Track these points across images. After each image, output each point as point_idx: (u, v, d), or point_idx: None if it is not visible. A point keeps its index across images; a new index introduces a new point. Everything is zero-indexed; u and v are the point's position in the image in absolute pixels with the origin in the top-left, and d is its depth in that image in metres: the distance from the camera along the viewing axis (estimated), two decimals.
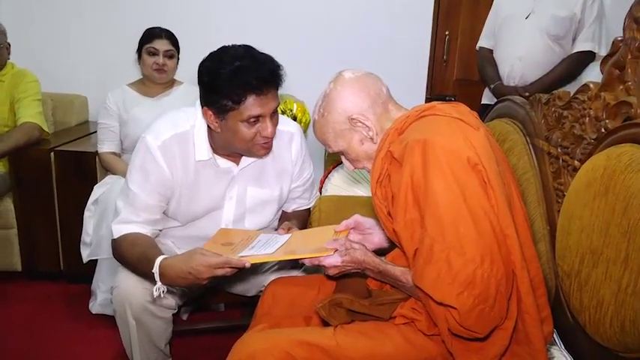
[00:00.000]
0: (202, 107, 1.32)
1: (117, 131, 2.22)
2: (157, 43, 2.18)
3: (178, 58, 2.26)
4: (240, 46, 1.29)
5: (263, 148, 1.34)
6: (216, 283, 1.54)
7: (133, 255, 1.29)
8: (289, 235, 1.33)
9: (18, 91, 2.30)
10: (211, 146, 1.38)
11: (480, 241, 0.93)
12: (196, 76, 1.30)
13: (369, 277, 1.14)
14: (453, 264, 0.92)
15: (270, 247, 1.24)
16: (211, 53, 1.30)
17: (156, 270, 1.20)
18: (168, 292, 1.29)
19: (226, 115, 1.27)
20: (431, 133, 1.01)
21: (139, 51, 2.22)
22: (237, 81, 1.22)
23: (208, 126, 1.35)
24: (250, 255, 1.21)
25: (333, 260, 1.09)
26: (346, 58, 2.86)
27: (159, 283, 1.21)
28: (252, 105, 1.24)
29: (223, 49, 1.29)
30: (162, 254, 1.24)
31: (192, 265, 1.16)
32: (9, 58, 2.35)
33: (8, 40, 2.32)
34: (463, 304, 0.92)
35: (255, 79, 1.22)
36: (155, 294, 1.22)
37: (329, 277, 1.20)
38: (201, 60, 1.31)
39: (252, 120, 1.27)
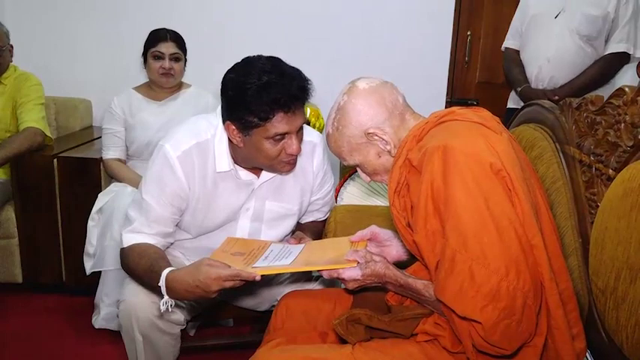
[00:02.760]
0: (225, 121, 1.32)
1: (122, 137, 2.26)
2: (162, 47, 2.20)
3: (185, 60, 2.29)
4: (267, 58, 1.29)
5: (288, 164, 1.34)
6: (226, 297, 1.56)
7: (140, 267, 1.30)
8: (302, 245, 1.34)
9: (20, 95, 2.35)
10: (232, 157, 1.39)
11: (505, 251, 0.94)
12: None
13: (390, 291, 1.14)
14: (476, 276, 0.93)
15: (284, 259, 1.25)
16: (236, 65, 1.30)
17: (162, 283, 1.20)
18: (177, 306, 1.30)
19: (251, 132, 1.27)
20: (451, 139, 1.02)
21: (145, 55, 2.25)
22: (266, 97, 1.21)
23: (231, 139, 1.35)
24: (265, 266, 1.21)
25: (353, 273, 1.09)
26: (362, 59, 2.88)
27: (166, 297, 1.21)
28: (279, 122, 1.25)
29: (249, 62, 1.28)
30: (170, 266, 1.25)
31: (199, 278, 1.16)
32: (11, 61, 2.40)
33: (11, 42, 2.38)
34: (487, 319, 0.92)
35: (285, 97, 1.22)
36: (162, 308, 1.23)
37: (347, 291, 1.20)
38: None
39: (277, 137, 1.27)
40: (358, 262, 1.11)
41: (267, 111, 1.23)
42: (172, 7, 2.87)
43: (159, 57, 2.21)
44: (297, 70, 1.29)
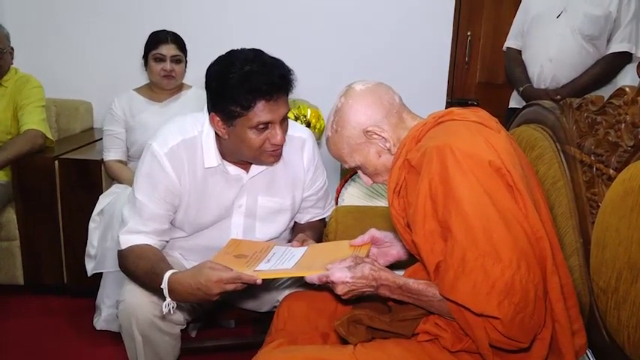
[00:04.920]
0: (209, 113, 1.34)
1: (123, 138, 2.26)
2: (163, 49, 2.21)
3: (186, 62, 2.30)
4: (249, 50, 1.31)
5: (272, 155, 1.35)
6: (227, 298, 1.56)
7: (140, 269, 1.31)
8: (304, 248, 1.34)
9: (21, 97, 2.36)
10: (220, 152, 1.40)
11: (515, 245, 0.94)
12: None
13: (386, 297, 1.10)
14: (490, 272, 0.93)
15: (286, 262, 1.25)
16: (219, 57, 1.32)
17: (164, 286, 1.21)
18: (177, 307, 1.30)
19: (234, 122, 1.29)
20: (450, 139, 1.03)
21: (145, 57, 2.25)
22: (247, 86, 1.23)
23: (216, 132, 1.37)
24: (267, 270, 1.22)
25: (342, 275, 1.07)
26: (362, 61, 2.89)
27: (168, 299, 1.22)
28: (261, 111, 1.26)
29: (232, 53, 1.31)
30: (171, 268, 1.26)
31: (201, 281, 1.17)
32: (12, 63, 2.41)
33: (12, 45, 2.38)
34: (505, 314, 0.92)
35: (265, 85, 1.24)
36: (164, 310, 1.23)
37: (339, 299, 1.16)
38: (209, 63, 1.33)
39: (261, 127, 1.28)
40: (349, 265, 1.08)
41: (249, 99, 1.24)
42: (173, 8, 2.88)
43: (160, 59, 2.21)
44: (279, 60, 1.31)
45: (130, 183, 2.14)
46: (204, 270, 1.18)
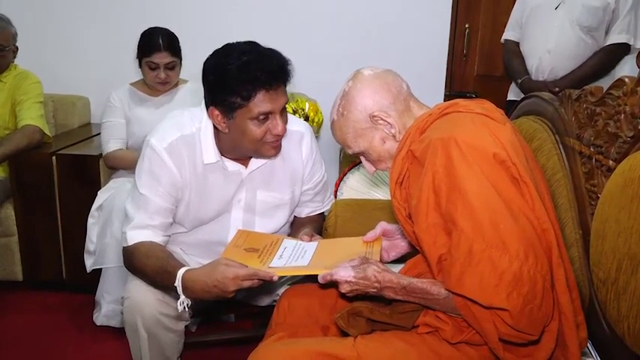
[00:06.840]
0: (208, 107, 1.33)
1: (123, 128, 2.22)
2: (156, 57, 2.15)
3: (181, 59, 2.25)
4: (244, 42, 1.31)
5: (273, 147, 1.35)
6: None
7: (149, 267, 1.30)
8: (315, 243, 1.33)
9: (19, 93, 2.36)
10: (219, 148, 1.40)
11: (522, 236, 0.94)
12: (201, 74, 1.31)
13: (390, 298, 1.09)
14: (497, 263, 0.92)
15: (300, 258, 1.24)
16: (215, 51, 1.31)
17: (178, 284, 1.21)
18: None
19: (234, 114, 1.28)
20: (454, 131, 1.02)
21: (139, 57, 2.20)
22: (246, 76, 1.23)
23: (215, 128, 1.36)
24: (282, 267, 1.20)
25: (345, 274, 1.07)
26: (360, 54, 2.87)
27: (182, 297, 1.22)
28: (261, 101, 1.25)
29: (228, 46, 1.31)
30: (182, 265, 1.25)
31: (217, 278, 1.16)
32: (13, 61, 2.40)
33: (17, 44, 2.37)
34: (514, 305, 0.92)
35: (265, 74, 1.23)
36: (180, 308, 1.23)
37: (342, 297, 1.15)
38: (205, 57, 1.31)
39: (261, 117, 1.28)
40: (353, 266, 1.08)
41: (249, 89, 1.24)
42: (170, 3, 2.85)
43: (154, 67, 2.17)
44: (276, 50, 1.31)
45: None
46: (219, 267, 1.17)
